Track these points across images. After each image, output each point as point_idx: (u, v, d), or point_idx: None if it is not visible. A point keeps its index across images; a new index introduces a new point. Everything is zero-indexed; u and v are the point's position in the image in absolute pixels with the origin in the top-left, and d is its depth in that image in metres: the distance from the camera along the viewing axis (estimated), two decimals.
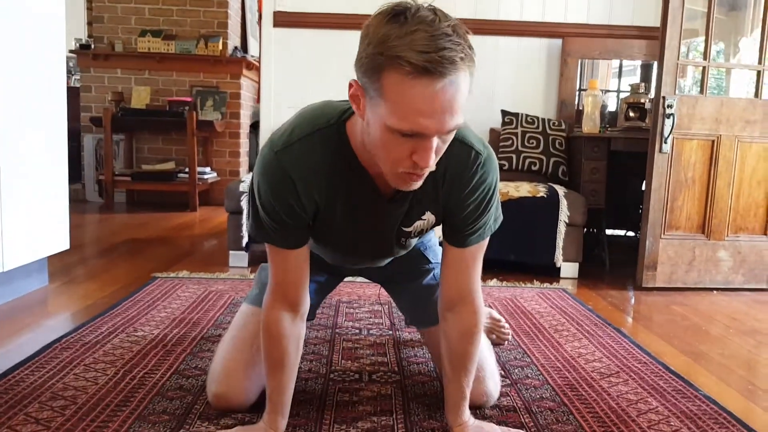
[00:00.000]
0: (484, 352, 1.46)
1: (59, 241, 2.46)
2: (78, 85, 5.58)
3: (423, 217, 1.23)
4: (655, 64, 2.94)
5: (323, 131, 1.13)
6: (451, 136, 1.02)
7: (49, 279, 2.52)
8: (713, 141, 2.77)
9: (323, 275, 1.61)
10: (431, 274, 1.59)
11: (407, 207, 1.21)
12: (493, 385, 1.46)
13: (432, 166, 1.02)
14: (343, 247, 1.36)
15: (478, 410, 1.42)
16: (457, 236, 1.24)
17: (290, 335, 1.24)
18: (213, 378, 1.40)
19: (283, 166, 1.12)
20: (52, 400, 1.40)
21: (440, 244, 1.36)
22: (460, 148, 1.16)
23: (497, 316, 1.94)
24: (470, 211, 1.20)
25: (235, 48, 5.62)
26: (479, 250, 1.26)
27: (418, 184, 1.07)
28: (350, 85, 1.02)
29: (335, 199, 1.17)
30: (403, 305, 1.70)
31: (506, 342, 1.92)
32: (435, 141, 0.98)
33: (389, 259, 1.47)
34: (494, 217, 1.26)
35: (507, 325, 1.94)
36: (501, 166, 3.30)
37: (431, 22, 0.92)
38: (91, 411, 1.35)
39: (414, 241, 1.37)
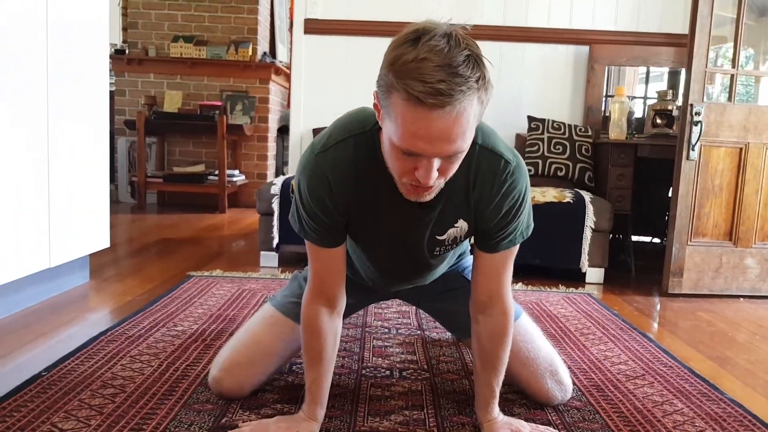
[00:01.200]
0: (551, 353, 1.52)
1: (100, 239, 2.56)
2: (112, 89, 5.73)
3: (456, 225, 1.27)
4: (683, 71, 2.96)
5: (357, 137, 1.20)
6: (457, 158, 1.06)
7: (90, 275, 2.62)
8: (741, 149, 2.78)
9: (354, 299, 1.58)
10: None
11: (438, 214, 1.24)
12: (554, 384, 1.49)
13: (435, 183, 1.06)
14: (380, 257, 1.39)
15: (536, 409, 1.47)
16: (488, 242, 1.27)
17: (328, 330, 1.31)
18: (217, 363, 1.48)
19: (320, 167, 1.20)
20: (102, 388, 1.48)
21: (471, 251, 1.40)
22: (490, 158, 1.20)
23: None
24: (501, 218, 1.23)
25: (264, 53, 5.73)
26: (510, 255, 1.30)
27: (429, 196, 1.12)
28: (374, 95, 1.07)
29: (366, 202, 1.23)
30: (445, 323, 1.72)
31: None
32: (436, 162, 1.03)
33: (427, 275, 1.48)
34: (526, 224, 1.29)
35: None
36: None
37: (441, 50, 0.95)
38: (140, 399, 1.43)
39: (449, 255, 1.41)
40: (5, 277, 1.97)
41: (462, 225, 1.27)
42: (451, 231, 1.28)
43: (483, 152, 1.19)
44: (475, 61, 0.98)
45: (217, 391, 1.47)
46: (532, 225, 1.32)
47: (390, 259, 1.39)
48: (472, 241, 1.35)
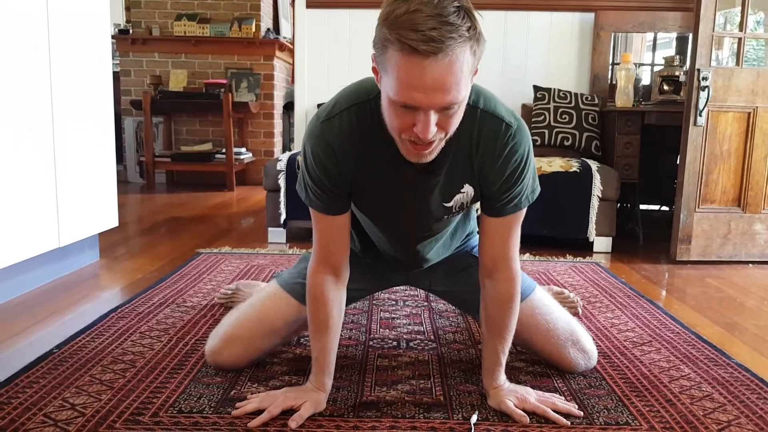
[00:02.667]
0: (570, 321, 1.52)
1: (109, 218, 2.58)
2: (117, 69, 5.72)
3: (462, 191, 1.28)
4: (691, 36, 2.92)
5: (360, 105, 1.21)
6: (455, 111, 1.06)
7: (100, 254, 2.65)
8: (749, 113, 2.75)
9: (366, 284, 1.60)
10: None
11: (443, 179, 1.25)
12: (577, 352, 1.50)
13: (434, 139, 1.06)
14: (388, 225, 1.40)
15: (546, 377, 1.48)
16: (493, 206, 1.28)
17: (333, 299, 1.32)
18: (217, 334, 1.50)
19: (324, 135, 1.21)
20: (113, 363, 1.50)
21: (478, 219, 1.41)
22: (491, 121, 1.21)
23: (558, 289, 2.01)
24: (504, 181, 1.24)
25: (268, 30, 5.69)
26: (515, 220, 1.30)
27: (430, 156, 1.12)
28: (372, 59, 1.08)
29: (371, 169, 1.24)
30: (458, 304, 1.71)
31: (579, 312, 1.97)
32: (433, 115, 1.03)
33: (435, 244, 1.48)
34: (531, 188, 1.29)
35: (572, 295, 2.01)
36: (533, 142, 3.32)
37: (431, 2, 0.97)
38: (150, 373, 1.45)
39: (455, 220, 1.41)
40: (16, 257, 2.00)
41: (468, 190, 1.27)
42: (457, 197, 1.28)
43: (484, 116, 1.20)
44: (466, 12, 0.99)
45: (213, 361, 1.49)
46: (539, 189, 1.31)
47: (398, 226, 1.39)
48: (479, 209, 1.35)
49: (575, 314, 1.96)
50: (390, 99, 1.04)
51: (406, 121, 1.05)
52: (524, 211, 1.30)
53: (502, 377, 1.35)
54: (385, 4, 1.01)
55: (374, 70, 1.10)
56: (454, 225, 1.47)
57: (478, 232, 1.42)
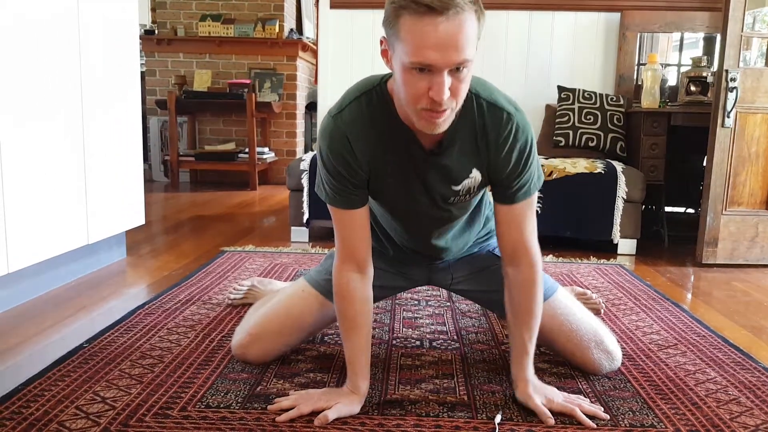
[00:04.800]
0: (593, 322, 1.52)
1: (135, 216, 2.62)
2: (143, 69, 5.79)
3: (470, 175, 1.31)
4: (718, 36, 2.88)
5: (367, 93, 1.27)
6: (465, 74, 1.11)
7: (126, 251, 2.69)
8: None
9: (389, 281, 1.60)
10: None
11: (451, 162, 1.28)
12: (600, 353, 1.50)
13: (447, 103, 1.10)
14: (403, 212, 1.42)
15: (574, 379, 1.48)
16: (505, 194, 1.32)
17: (360, 295, 1.33)
18: (244, 329, 1.53)
19: (338, 126, 1.26)
20: (141, 358, 1.53)
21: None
22: (493, 111, 1.25)
23: (581, 290, 2.02)
24: (512, 169, 1.28)
25: (291, 30, 5.73)
26: (528, 206, 1.33)
27: (444, 125, 1.16)
28: (381, 42, 1.14)
29: (383, 152, 1.27)
30: (482, 302, 1.70)
31: (602, 312, 1.98)
32: (447, 78, 1.08)
33: (450, 234, 1.50)
34: (537, 175, 1.33)
35: (595, 296, 2.02)
36: (557, 143, 3.31)
37: None
38: (177, 368, 1.48)
39: (468, 206, 1.43)
40: (46, 254, 2.04)
41: (476, 175, 1.31)
42: (466, 182, 1.32)
43: (485, 105, 1.25)
44: None
45: (240, 355, 1.51)
46: (543, 176, 1.36)
47: (411, 213, 1.40)
48: (491, 199, 1.39)
49: (597, 314, 1.97)
50: (404, 66, 1.09)
51: (422, 86, 1.09)
52: (536, 196, 1.34)
53: (531, 369, 1.36)
54: None
55: (384, 53, 1.15)
56: (468, 216, 1.49)
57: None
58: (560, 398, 1.32)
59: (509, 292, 1.38)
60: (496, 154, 1.27)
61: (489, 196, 1.50)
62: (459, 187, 1.33)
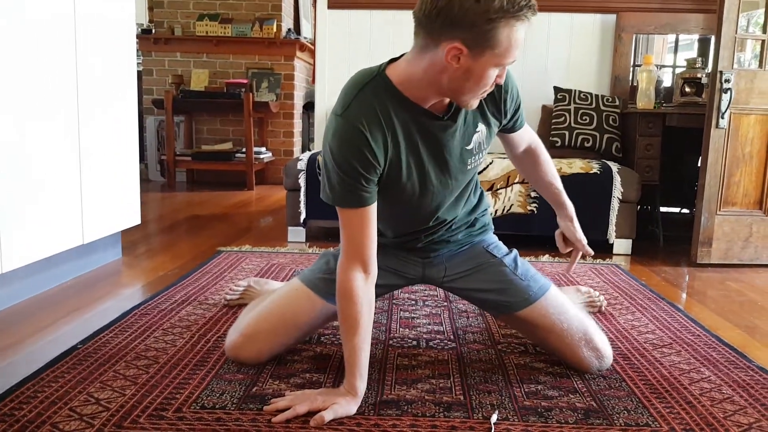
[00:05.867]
0: (583, 321, 1.55)
1: (131, 216, 2.62)
2: (140, 68, 5.78)
3: (477, 130, 1.45)
4: (713, 38, 2.89)
5: (370, 84, 1.31)
6: None
7: (122, 251, 2.69)
8: None
9: (383, 280, 1.58)
10: (499, 266, 1.59)
11: (460, 124, 1.40)
12: (590, 351, 1.51)
13: None
14: (416, 186, 1.42)
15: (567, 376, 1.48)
16: (513, 127, 1.56)
17: (363, 296, 1.33)
18: (238, 329, 1.53)
19: (350, 121, 1.29)
20: (136, 359, 1.53)
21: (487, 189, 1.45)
22: None
23: (586, 288, 2.08)
24: (513, 112, 1.51)
25: (289, 30, 5.73)
26: (526, 127, 1.62)
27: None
28: (449, 50, 1.20)
29: (397, 131, 1.32)
30: (476, 301, 1.69)
31: (603, 309, 2.05)
32: None
33: (448, 204, 1.52)
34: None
35: (596, 294, 2.07)
36: (553, 143, 3.32)
37: None
38: (172, 369, 1.47)
39: (474, 165, 1.50)
40: (41, 254, 2.04)
41: (482, 129, 1.45)
42: (474, 137, 1.45)
43: None
44: None
45: (234, 356, 1.51)
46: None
47: (424, 182, 1.43)
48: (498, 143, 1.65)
49: (598, 311, 2.02)
50: (494, 65, 1.23)
51: (493, 77, 1.26)
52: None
53: (569, 203, 1.71)
54: (464, 4, 1.15)
55: (455, 57, 1.20)
56: (464, 185, 1.55)
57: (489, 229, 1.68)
58: (583, 240, 1.69)
59: (532, 167, 1.70)
60: (497, 108, 1.45)
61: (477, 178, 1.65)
62: (471, 145, 1.44)
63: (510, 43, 1.21)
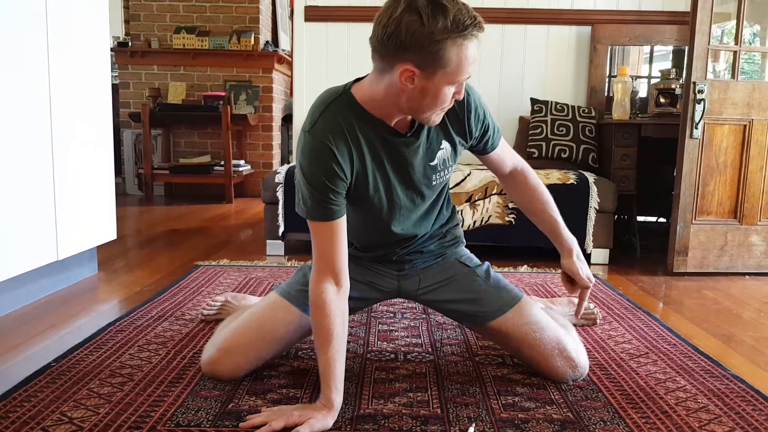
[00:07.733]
0: (557, 330, 1.56)
1: (107, 231, 2.59)
2: (116, 82, 5.74)
3: (441, 147, 1.47)
4: (687, 49, 2.94)
5: (335, 101, 1.37)
6: None
7: (98, 267, 2.65)
8: (745, 126, 2.77)
9: (358, 293, 1.59)
10: (471, 276, 1.62)
11: (424, 140, 1.43)
12: (563, 361, 1.52)
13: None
14: (383, 199, 1.45)
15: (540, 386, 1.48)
16: (486, 147, 1.56)
17: (336, 308, 1.34)
18: (215, 343, 1.52)
19: (317, 137, 1.33)
20: (111, 377, 1.50)
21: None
22: None
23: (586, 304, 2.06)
24: (480, 130, 1.51)
25: (267, 42, 5.72)
26: (504, 146, 1.61)
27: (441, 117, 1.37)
28: (403, 72, 1.24)
29: (362, 145, 1.37)
30: (449, 313, 1.69)
31: (597, 320, 2.04)
32: None
33: (415, 219, 1.54)
34: (496, 126, 1.56)
35: (592, 306, 2.06)
36: (530, 154, 3.34)
37: (445, 9, 1.20)
38: (148, 387, 1.46)
39: (440, 181, 1.52)
40: (14, 270, 2.00)
41: (446, 146, 1.48)
42: (439, 153, 1.48)
43: None
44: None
45: (211, 371, 1.50)
46: (499, 127, 1.59)
47: (391, 196, 1.46)
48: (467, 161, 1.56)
49: (593, 323, 2.02)
50: (448, 84, 1.26)
51: (450, 94, 1.29)
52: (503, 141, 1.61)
53: (570, 236, 1.63)
54: (417, 29, 1.19)
55: (408, 78, 1.25)
56: (431, 200, 1.57)
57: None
58: (590, 279, 1.60)
59: (521, 191, 1.65)
60: (460, 125, 1.46)
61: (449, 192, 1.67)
62: (435, 161, 1.47)
63: (460, 60, 1.24)
